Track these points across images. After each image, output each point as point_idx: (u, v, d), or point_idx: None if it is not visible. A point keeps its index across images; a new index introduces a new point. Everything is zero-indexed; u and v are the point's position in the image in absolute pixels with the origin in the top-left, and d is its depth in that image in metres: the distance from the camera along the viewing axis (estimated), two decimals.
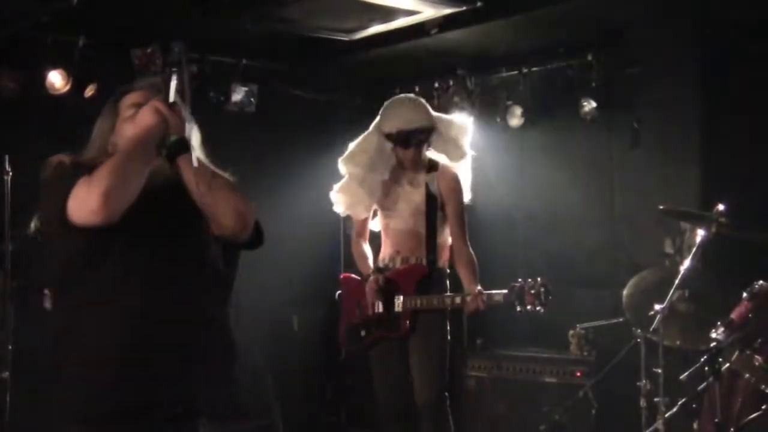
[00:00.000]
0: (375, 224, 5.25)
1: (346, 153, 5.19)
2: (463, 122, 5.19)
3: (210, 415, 2.72)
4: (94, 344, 2.64)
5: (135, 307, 2.64)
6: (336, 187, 5.21)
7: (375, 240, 5.27)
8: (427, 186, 5.01)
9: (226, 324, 2.90)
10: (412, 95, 5.36)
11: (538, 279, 4.70)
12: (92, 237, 2.59)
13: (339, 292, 5.28)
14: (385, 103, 5.17)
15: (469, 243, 5.02)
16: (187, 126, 2.72)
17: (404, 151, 4.98)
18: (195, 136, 2.78)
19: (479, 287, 4.77)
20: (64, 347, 2.70)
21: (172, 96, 2.70)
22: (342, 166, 5.17)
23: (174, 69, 2.72)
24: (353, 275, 5.29)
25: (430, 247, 4.98)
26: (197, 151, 2.77)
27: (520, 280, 4.71)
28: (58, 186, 2.61)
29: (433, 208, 4.99)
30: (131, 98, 2.83)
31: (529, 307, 4.67)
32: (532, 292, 4.65)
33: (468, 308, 4.78)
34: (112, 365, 2.61)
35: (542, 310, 4.68)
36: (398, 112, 5.02)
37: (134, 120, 2.71)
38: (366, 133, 5.16)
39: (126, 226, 2.58)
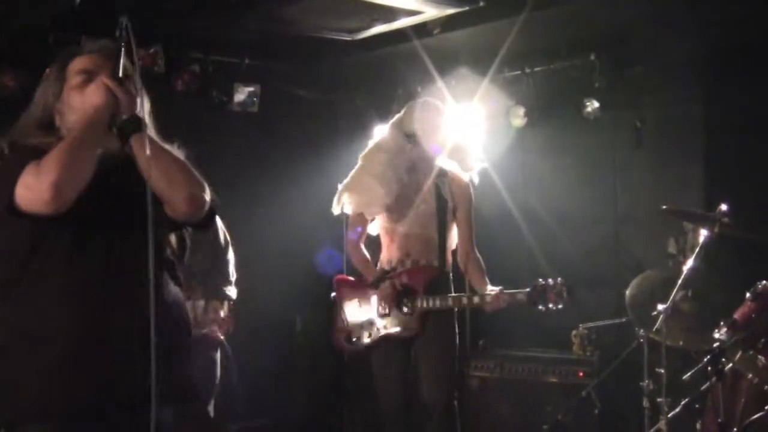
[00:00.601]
0: (372, 228, 5.20)
1: (368, 148, 5.17)
2: (469, 146, 5.25)
3: (167, 398, 2.60)
4: (45, 339, 2.56)
5: (90, 298, 2.57)
6: (345, 185, 5.16)
7: (370, 245, 5.24)
8: (438, 190, 5.00)
9: (182, 305, 2.83)
10: (438, 103, 5.23)
11: (559, 279, 4.75)
12: (41, 224, 2.53)
13: (333, 294, 5.24)
14: (409, 104, 5.19)
15: (476, 248, 5.05)
16: (138, 101, 2.62)
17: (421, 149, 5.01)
18: (146, 111, 2.66)
19: (500, 287, 4.80)
20: (15, 345, 2.61)
21: (120, 70, 2.60)
22: (360, 161, 5.14)
23: (122, 43, 2.61)
24: (349, 277, 5.27)
25: (442, 251, 4.98)
26: (149, 129, 2.67)
27: (541, 279, 4.77)
28: (3, 175, 2.54)
29: (444, 212, 5.00)
30: (79, 63, 2.73)
31: (551, 306, 4.73)
32: (555, 290, 4.71)
33: (489, 307, 4.79)
34: (66, 359, 2.55)
35: (562, 308, 4.75)
36: (423, 114, 5.02)
37: (82, 92, 2.63)
38: (385, 131, 5.16)
39: (77, 213, 2.52)
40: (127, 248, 2.62)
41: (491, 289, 4.81)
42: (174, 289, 2.80)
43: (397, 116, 5.17)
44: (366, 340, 5.03)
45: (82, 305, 2.58)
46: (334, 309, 5.23)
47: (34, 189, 2.45)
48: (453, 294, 4.92)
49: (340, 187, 5.17)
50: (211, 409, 5.26)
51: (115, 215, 2.61)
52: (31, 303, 2.60)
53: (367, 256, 5.14)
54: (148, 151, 2.54)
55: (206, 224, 2.82)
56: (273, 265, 7.24)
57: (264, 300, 7.08)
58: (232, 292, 5.36)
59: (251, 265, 6.88)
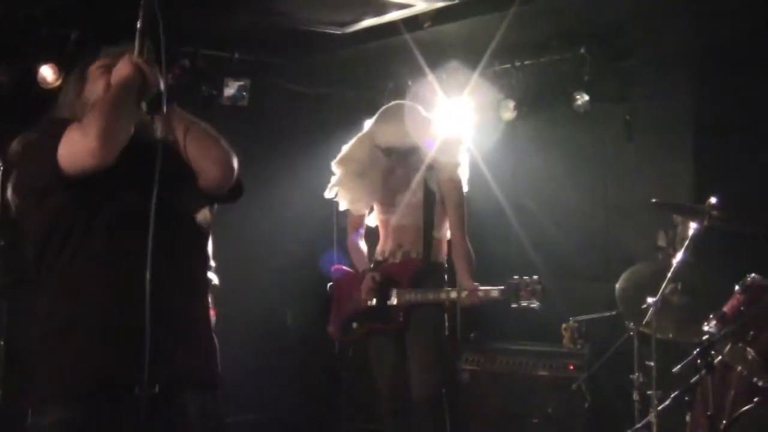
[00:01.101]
0: (371, 219, 5.26)
1: (339, 156, 5.18)
2: (457, 138, 5.19)
3: (196, 385, 2.72)
4: (76, 319, 2.59)
5: (124, 279, 2.58)
6: (333, 183, 5.19)
7: (370, 236, 5.27)
8: (425, 181, 5.01)
9: (206, 291, 2.91)
10: (409, 104, 5.19)
11: (534, 276, 4.75)
12: (82, 200, 2.56)
13: (330, 283, 5.28)
14: (381, 110, 5.14)
15: (467, 237, 5.04)
16: (161, 81, 2.69)
17: (395, 165, 5.01)
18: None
19: (476, 283, 4.80)
20: (44, 325, 2.65)
21: (144, 50, 2.68)
22: (335, 169, 5.17)
23: (146, 21, 2.69)
24: (345, 267, 5.30)
25: (426, 242, 4.99)
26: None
27: (516, 276, 4.76)
28: (40, 147, 2.58)
29: (431, 204, 5.01)
30: (99, 62, 2.79)
31: (524, 303, 4.75)
32: (528, 288, 4.72)
33: (463, 303, 4.81)
34: (98, 341, 2.57)
35: (537, 306, 4.75)
36: (393, 126, 4.97)
37: (107, 77, 2.68)
38: (358, 137, 5.15)
39: (113, 192, 2.58)
40: (166, 235, 2.62)
41: (467, 285, 4.81)
42: (200, 269, 2.87)
43: (368, 129, 5.12)
44: (358, 330, 5.06)
45: (116, 287, 2.60)
46: (331, 298, 5.27)
47: (80, 142, 2.49)
48: (431, 289, 4.91)
49: (332, 183, 5.19)
50: None
51: (150, 197, 2.60)
52: (64, 284, 2.63)
53: (362, 248, 5.18)
54: (178, 121, 2.68)
55: (235, 195, 2.89)
56: (264, 259, 7.23)
57: (255, 294, 7.08)
58: (214, 278, 5.34)
59: (242, 260, 6.89)
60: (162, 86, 2.68)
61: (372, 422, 5.30)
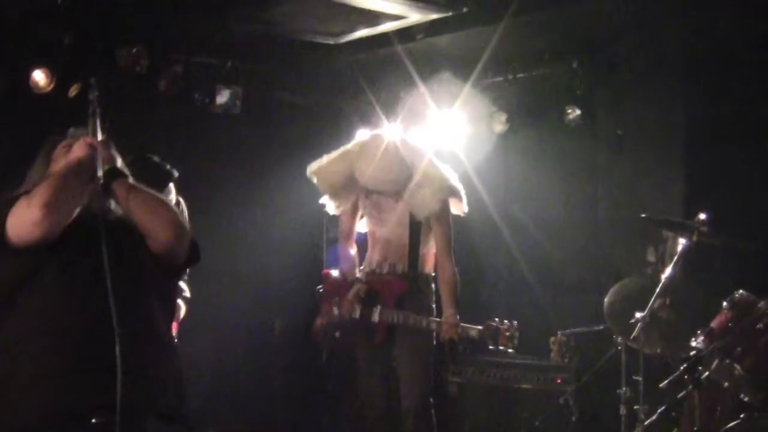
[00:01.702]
0: (362, 226, 5.27)
1: (317, 167, 5.18)
2: (441, 172, 5.12)
3: (158, 416, 2.79)
4: (29, 365, 2.69)
5: (75, 327, 2.70)
6: (313, 169, 5.23)
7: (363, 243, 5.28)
8: (414, 201, 5.00)
9: (169, 335, 3.00)
10: (391, 143, 5.02)
11: (514, 323, 4.85)
12: (27, 260, 2.69)
13: (319, 287, 5.27)
14: (363, 144, 5.11)
15: (453, 258, 5.03)
16: (118, 158, 2.92)
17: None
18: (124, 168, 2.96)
19: (457, 317, 4.85)
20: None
21: (99, 133, 2.91)
22: (311, 176, 5.19)
23: (97, 104, 2.93)
24: (334, 273, 5.29)
25: (411, 259, 4.99)
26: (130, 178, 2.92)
27: (497, 319, 4.87)
28: None
29: (417, 221, 5.00)
30: (65, 142, 2.97)
31: (500, 347, 4.86)
32: (507, 334, 4.84)
33: (442, 336, 4.88)
34: (48, 381, 2.66)
35: (512, 352, 4.93)
36: (372, 166, 4.93)
37: (66, 156, 2.87)
38: (343, 153, 5.14)
39: (61, 248, 2.70)
40: (114, 285, 2.72)
41: (448, 318, 4.86)
42: (159, 320, 2.93)
43: (349, 157, 5.10)
44: (340, 340, 5.08)
45: (65, 327, 2.71)
46: (319, 302, 5.29)
47: (24, 214, 2.65)
48: (415, 315, 4.91)
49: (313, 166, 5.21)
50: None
51: (99, 256, 2.73)
52: (14, 329, 2.72)
53: (352, 256, 5.19)
54: (128, 191, 2.85)
55: (191, 261, 3.00)
56: (253, 268, 7.22)
57: (243, 303, 7.06)
58: (186, 289, 5.33)
59: (231, 268, 6.88)
60: (119, 163, 2.91)
61: (359, 431, 5.29)
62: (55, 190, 2.67)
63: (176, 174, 4.97)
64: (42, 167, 2.99)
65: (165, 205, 2.93)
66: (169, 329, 3.04)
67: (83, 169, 2.80)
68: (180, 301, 5.20)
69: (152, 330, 2.86)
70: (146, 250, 2.84)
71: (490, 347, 4.88)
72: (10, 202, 2.70)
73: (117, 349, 2.61)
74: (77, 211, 2.75)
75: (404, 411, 4.92)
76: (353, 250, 5.25)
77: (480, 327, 4.82)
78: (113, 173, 2.86)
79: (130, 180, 2.92)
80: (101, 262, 2.70)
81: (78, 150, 2.84)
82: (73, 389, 2.65)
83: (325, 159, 5.18)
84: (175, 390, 2.94)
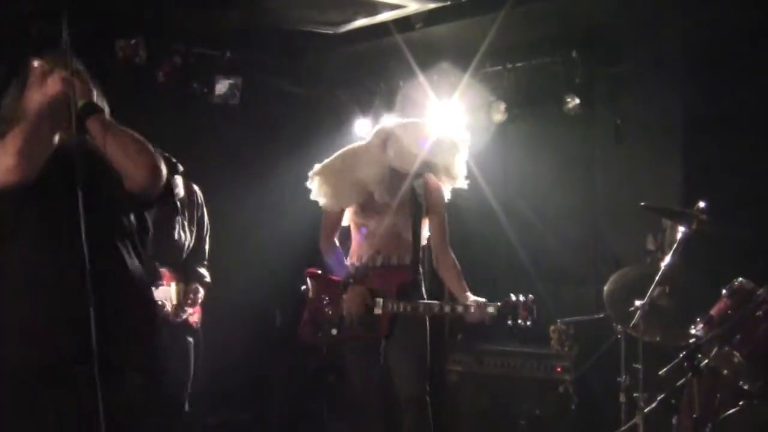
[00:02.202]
0: (344, 220, 5.15)
1: (345, 151, 5.09)
2: (457, 143, 5.12)
3: (136, 368, 2.82)
4: (9, 308, 2.72)
5: (52, 270, 2.72)
6: (318, 170, 5.11)
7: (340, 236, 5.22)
8: (413, 190, 4.99)
9: (143, 281, 2.99)
10: (426, 125, 5.09)
11: (529, 296, 4.72)
12: (5, 206, 2.70)
13: (303, 286, 5.21)
14: (397, 127, 5.03)
15: (450, 248, 5.02)
16: (94, 91, 2.88)
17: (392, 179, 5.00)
18: (101, 102, 2.92)
19: (483, 299, 4.72)
20: None
21: (72, 64, 2.83)
22: (336, 161, 5.08)
23: (69, 40, 2.86)
24: (319, 270, 5.21)
25: (415, 252, 4.96)
26: (106, 113, 2.89)
27: (512, 295, 4.72)
28: None
29: (419, 213, 4.98)
30: (41, 62, 2.94)
31: (520, 322, 4.71)
32: (526, 308, 4.69)
33: (471, 319, 4.74)
34: (29, 326, 2.70)
35: (531, 326, 4.73)
36: (408, 149, 4.92)
37: (41, 86, 2.82)
38: (370, 144, 5.05)
39: (39, 191, 2.71)
40: (90, 224, 2.69)
41: (469, 300, 4.74)
42: (136, 264, 2.94)
43: (380, 143, 5.04)
44: (333, 335, 5.00)
45: (43, 279, 2.74)
46: (303, 301, 5.18)
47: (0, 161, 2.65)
48: (425, 301, 4.84)
49: (316, 167, 5.14)
50: (185, 400, 5.24)
51: (74, 194, 2.70)
52: None
53: (340, 253, 5.11)
54: (104, 128, 2.82)
55: (163, 200, 3.02)
56: (252, 258, 7.23)
57: (244, 293, 7.07)
58: (206, 274, 5.35)
59: (231, 259, 6.88)
60: (94, 97, 2.87)
61: (358, 422, 5.28)
62: (30, 135, 2.69)
63: (181, 168, 4.98)
64: (17, 92, 2.95)
65: (141, 144, 2.89)
66: (143, 276, 3.00)
67: (57, 107, 2.77)
68: (198, 286, 5.24)
69: (128, 279, 2.87)
70: (121, 188, 2.84)
71: (509, 323, 4.78)
72: None
73: (91, 300, 2.60)
74: (52, 150, 2.75)
75: (402, 402, 4.88)
76: (338, 248, 5.16)
77: (498, 303, 4.75)
78: (89, 108, 2.83)
79: (107, 115, 2.89)
80: (77, 204, 2.67)
81: (53, 86, 2.79)
82: (52, 338, 2.68)
83: (350, 148, 5.11)
84: (150, 342, 2.93)
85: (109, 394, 2.61)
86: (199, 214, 5.37)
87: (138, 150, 2.85)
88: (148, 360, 2.90)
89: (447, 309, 4.78)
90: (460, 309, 4.75)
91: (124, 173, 2.83)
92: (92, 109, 2.83)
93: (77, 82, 2.80)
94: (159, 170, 2.90)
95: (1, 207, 2.72)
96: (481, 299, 4.72)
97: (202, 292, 5.24)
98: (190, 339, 5.22)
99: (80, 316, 2.60)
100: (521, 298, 4.70)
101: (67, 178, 2.69)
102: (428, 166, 5.01)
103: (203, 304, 5.33)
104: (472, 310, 4.69)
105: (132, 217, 2.96)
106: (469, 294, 4.79)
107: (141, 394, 2.84)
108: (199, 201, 5.40)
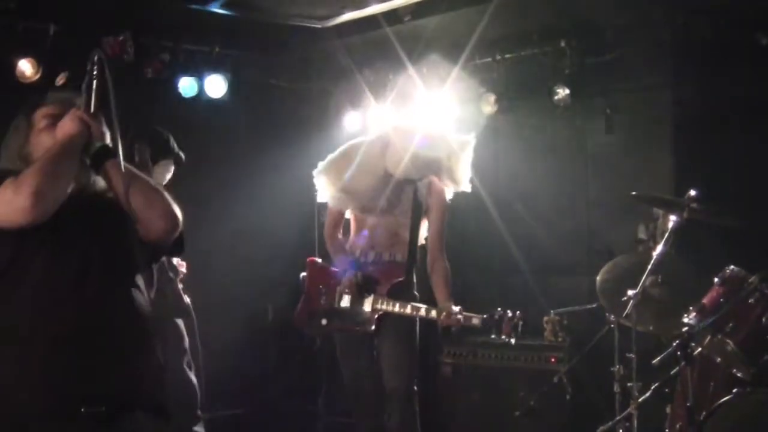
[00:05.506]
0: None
1: (348, 150, 5.10)
2: (462, 148, 5.15)
3: (145, 409, 2.74)
4: (17, 351, 2.61)
5: (61, 313, 2.62)
6: (322, 169, 5.14)
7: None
8: (415, 191, 5.00)
9: (150, 319, 2.92)
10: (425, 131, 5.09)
11: (517, 312, 4.77)
12: (15, 242, 2.60)
13: (303, 274, 5.24)
14: (396, 134, 5.03)
15: (444, 253, 5.02)
16: (108, 133, 2.77)
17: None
18: (118, 142, 2.81)
19: (459, 307, 4.76)
20: None
21: (93, 104, 2.74)
22: (340, 162, 5.09)
23: (95, 75, 2.74)
24: (319, 260, 5.26)
25: (412, 252, 4.98)
26: (121, 157, 2.78)
27: (500, 309, 4.79)
28: None
29: (418, 214, 4.99)
30: (45, 110, 2.82)
31: (503, 337, 4.80)
32: (511, 324, 4.77)
33: (441, 324, 4.86)
34: (36, 369, 2.59)
35: (513, 342, 4.82)
36: (406, 159, 4.92)
37: (52, 130, 2.73)
38: (371, 151, 5.06)
39: (50, 233, 2.61)
40: (100, 267, 2.69)
41: (446, 307, 4.77)
42: (143, 301, 2.86)
43: (380, 147, 5.05)
44: (327, 327, 5.04)
45: (53, 314, 2.63)
46: (302, 288, 5.23)
47: (11, 200, 2.54)
48: (412, 304, 4.86)
49: (322, 165, 5.14)
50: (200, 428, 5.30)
51: (87, 237, 2.69)
52: (2, 311, 2.65)
53: (342, 244, 5.14)
54: (121, 175, 2.72)
55: (177, 249, 2.97)
56: (244, 254, 7.22)
57: (235, 290, 7.06)
58: (182, 265, 5.33)
59: (224, 254, 6.87)
60: (108, 140, 2.76)
61: (351, 415, 5.29)
62: (46, 176, 2.57)
63: (183, 157, 5.00)
64: (22, 133, 2.84)
65: (160, 193, 2.84)
66: (149, 317, 2.97)
67: (75, 148, 2.68)
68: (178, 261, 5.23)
69: (138, 319, 2.80)
70: (134, 234, 2.77)
71: (492, 336, 4.85)
72: None
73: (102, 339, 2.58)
74: (68, 192, 2.65)
75: (388, 393, 4.90)
76: (341, 240, 5.18)
77: (484, 316, 4.77)
78: (105, 152, 2.74)
79: (121, 160, 2.77)
80: (88, 246, 2.65)
81: (69, 126, 2.69)
82: (60, 378, 2.59)
83: (356, 162, 5.09)
84: (156, 379, 2.86)
85: None
86: None
87: (158, 198, 2.80)
88: (157, 397, 2.83)
89: (432, 313, 4.80)
90: (439, 314, 4.76)
91: (142, 221, 2.76)
92: (110, 153, 2.75)
93: (94, 123, 2.72)
94: (177, 220, 2.83)
95: (9, 241, 2.61)
96: (466, 312, 4.75)
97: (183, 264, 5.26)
98: (191, 370, 5.25)
99: (88, 362, 2.58)
100: (508, 314, 4.75)
101: (77, 220, 2.66)
102: (432, 169, 5.02)
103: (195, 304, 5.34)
104: (446, 318, 4.73)
105: (144, 265, 2.91)
106: (450, 300, 4.84)
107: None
108: None
